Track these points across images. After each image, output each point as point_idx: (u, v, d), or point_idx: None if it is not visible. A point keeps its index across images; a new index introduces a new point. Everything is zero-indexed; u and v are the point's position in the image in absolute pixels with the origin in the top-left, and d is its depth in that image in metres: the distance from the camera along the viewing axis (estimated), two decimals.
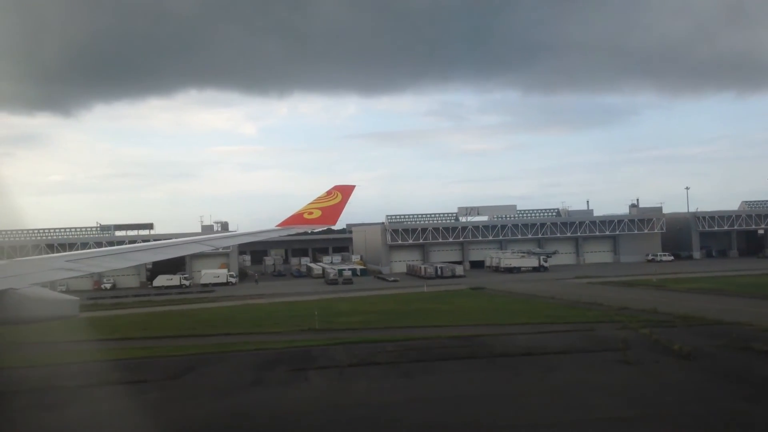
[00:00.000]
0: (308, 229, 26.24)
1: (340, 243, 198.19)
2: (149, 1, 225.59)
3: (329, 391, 29.32)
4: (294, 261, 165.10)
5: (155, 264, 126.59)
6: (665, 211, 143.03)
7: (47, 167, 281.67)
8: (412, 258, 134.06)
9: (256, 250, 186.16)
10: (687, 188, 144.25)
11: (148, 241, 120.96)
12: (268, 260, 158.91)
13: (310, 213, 24.59)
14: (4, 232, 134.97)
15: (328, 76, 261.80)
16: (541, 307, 61.04)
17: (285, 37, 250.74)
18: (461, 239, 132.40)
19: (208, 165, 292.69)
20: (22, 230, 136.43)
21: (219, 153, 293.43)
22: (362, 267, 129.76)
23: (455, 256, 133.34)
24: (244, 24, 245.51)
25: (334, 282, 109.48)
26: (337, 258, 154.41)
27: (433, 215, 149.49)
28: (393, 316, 59.07)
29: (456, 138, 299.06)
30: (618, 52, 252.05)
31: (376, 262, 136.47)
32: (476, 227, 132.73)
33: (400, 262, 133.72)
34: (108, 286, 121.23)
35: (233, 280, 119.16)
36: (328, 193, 25.39)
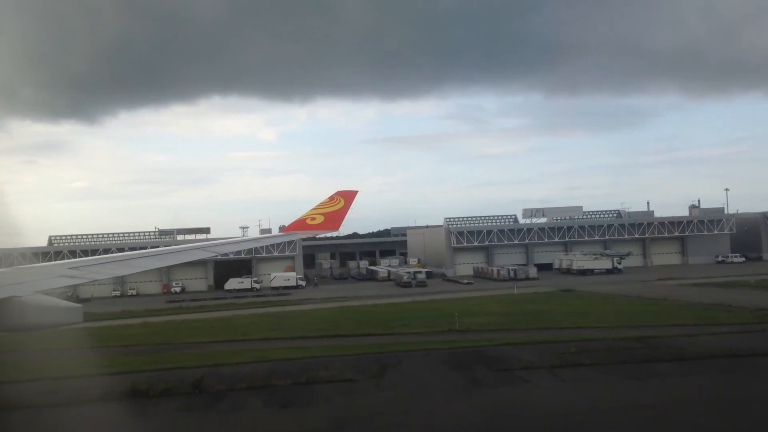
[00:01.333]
0: (311, 234, 26.08)
1: (387, 246, 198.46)
2: (175, 8, 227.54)
3: (576, 393, 29.08)
4: (351, 265, 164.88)
5: (221, 268, 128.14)
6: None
7: (70, 174, 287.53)
8: (475, 260, 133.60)
9: (303, 254, 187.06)
10: (726, 189, 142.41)
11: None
12: (324, 264, 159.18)
13: (313, 219, 24.46)
14: (63, 237, 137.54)
15: (350, 81, 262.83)
16: (669, 308, 60.36)
17: (309, 42, 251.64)
18: (526, 241, 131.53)
19: (229, 171, 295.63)
20: (80, 235, 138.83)
21: (239, 159, 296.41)
22: (427, 270, 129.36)
23: (519, 258, 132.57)
24: (268, 29, 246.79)
25: (407, 285, 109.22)
26: (394, 261, 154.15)
27: (491, 217, 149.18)
28: (518, 317, 58.77)
29: (476, 141, 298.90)
30: (643, 52, 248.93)
31: (436, 264, 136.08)
32: (542, 229, 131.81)
33: (462, 265, 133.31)
34: (177, 289, 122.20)
35: (302, 283, 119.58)
36: (331, 198, 25.30)
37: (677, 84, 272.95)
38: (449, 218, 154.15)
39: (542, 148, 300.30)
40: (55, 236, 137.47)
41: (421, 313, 66.38)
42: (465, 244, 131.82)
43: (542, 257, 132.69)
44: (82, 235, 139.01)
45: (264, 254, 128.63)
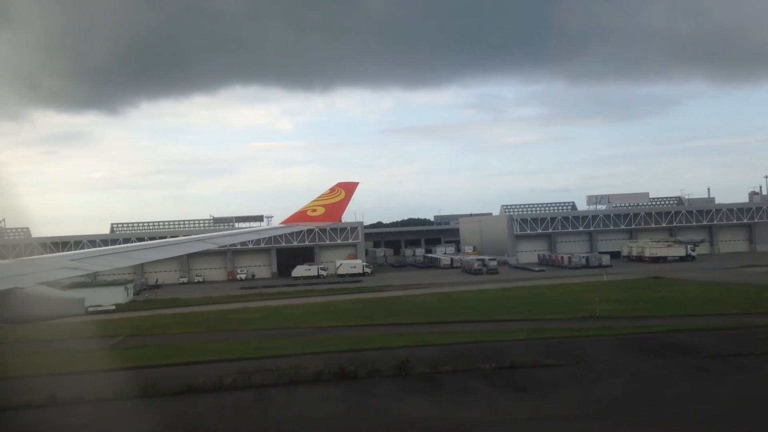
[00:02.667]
0: (311, 226, 26.74)
1: (432, 235, 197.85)
2: None
3: None
4: (407, 253, 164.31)
5: (284, 256, 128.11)
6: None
7: (90, 164, 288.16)
8: (536, 248, 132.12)
9: None
10: (767, 176, 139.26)
11: None
12: (378, 252, 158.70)
13: (314, 210, 24.35)
14: (123, 225, 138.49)
15: (372, 70, 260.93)
16: None
17: (331, 31, 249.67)
18: (591, 228, 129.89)
19: (246, 161, 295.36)
20: (139, 223, 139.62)
21: (257, 149, 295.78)
22: (490, 258, 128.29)
23: (582, 246, 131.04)
24: (291, 19, 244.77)
25: (478, 272, 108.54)
26: (450, 249, 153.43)
27: (549, 205, 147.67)
28: (645, 304, 57.92)
29: (494, 131, 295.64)
30: (669, 39, 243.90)
31: (494, 252, 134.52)
32: (607, 216, 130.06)
33: (524, 252, 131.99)
34: (243, 276, 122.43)
35: (368, 270, 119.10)
36: (332, 190, 25.21)
37: (702, 71, 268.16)
38: (507, 206, 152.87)
39: (561, 137, 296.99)
40: (117, 224, 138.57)
41: (527, 300, 65.63)
42: (528, 232, 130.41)
43: (605, 245, 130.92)
44: (141, 223, 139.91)
45: (327, 241, 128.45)
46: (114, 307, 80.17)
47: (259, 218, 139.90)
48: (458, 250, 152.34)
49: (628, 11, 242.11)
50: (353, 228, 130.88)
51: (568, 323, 48.13)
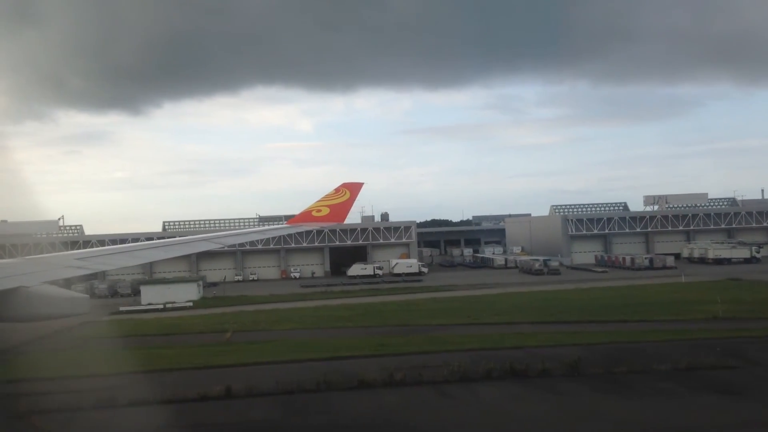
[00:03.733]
0: (317, 227, 26.34)
1: (471, 235, 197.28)
2: None
3: None
4: (455, 253, 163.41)
5: (335, 254, 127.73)
6: None
7: (112, 164, 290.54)
8: (590, 249, 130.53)
9: None
10: None
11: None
12: (425, 251, 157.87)
13: (319, 210, 24.47)
14: (175, 223, 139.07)
15: (395, 70, 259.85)
16: None
17: (356, 30, 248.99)
18: (649, 229, 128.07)
19: (265, 161, 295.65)
20: (190, 221, 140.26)
21: (276, 149, 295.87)
22: (545, 258, 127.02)
23: (638, 248, 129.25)
24: (316, 18, 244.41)
25: (539, 272, 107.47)
26: (498, 249, 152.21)
27: (600, 205, 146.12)
28: (757, 305, 56.27)
29: (514, 132, 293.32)
30: (696, 40, 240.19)
31: (545, 252, 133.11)
32: (664, 217, 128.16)
33: (579, 253, 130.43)
34: (297, 275, 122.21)
35: (425, 269, 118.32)
36: (337, 190, 25.22)
37: (728, 73, 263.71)
38: (557, 206, 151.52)
39: (581, 138, 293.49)
40: (168, 222, 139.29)
41: (619, 301, 64.70)
42: (584, 232, 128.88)
43: (661, 246, 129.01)
44: (192, 221, 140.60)
45: (381, 240, 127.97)
46: (191, 304, 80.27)
47: None
48: (504, 251, 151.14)
49: (655, 11, 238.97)
50: (407, 227, 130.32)
51: (698, 324, 46.98)
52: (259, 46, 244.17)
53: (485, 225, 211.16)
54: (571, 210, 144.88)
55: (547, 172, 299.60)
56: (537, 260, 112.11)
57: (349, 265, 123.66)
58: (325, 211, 24.48)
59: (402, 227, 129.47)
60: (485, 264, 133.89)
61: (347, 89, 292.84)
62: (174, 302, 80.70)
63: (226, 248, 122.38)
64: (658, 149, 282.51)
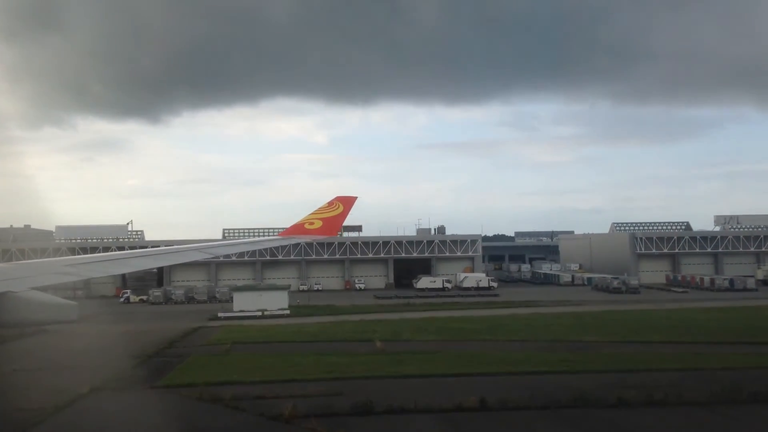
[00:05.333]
0: (309, 239, 27.08)
1: (514, 251, 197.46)
2: (248, 8, 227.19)
3: None
4: (512, 268, 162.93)
5: (407, 266, 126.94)
6: None
7: (126, 172, 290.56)
8: (658, 268, 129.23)
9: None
10: None
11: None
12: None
13: (311, 223, 24.39)
14: (234, 231, 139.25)
15: (416, 84, 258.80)
16: None
17: (379, 44, 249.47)
18: (720, 249, 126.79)
19: (280, 172, 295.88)
20: (250, 229, 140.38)
21: (291, 160, 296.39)
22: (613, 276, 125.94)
23: (707, 269, 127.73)
24: (339, 31, 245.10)
25: (617, 291, 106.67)
26: (556, 266, 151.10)
27: (663, 224, 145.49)
28: None
29: (529, 150, 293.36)
30: (719, 62, 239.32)
31: (605, 271, 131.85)
32: (736, 238, 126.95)
33: (646, 272, 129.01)
34: (361, 286, 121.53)
35: (494, 284, 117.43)
36: (330, 203, 25.19)
37: (750, 95, 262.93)
38: (618, 223, 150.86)
39: (597, 157, 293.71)
40: (228, 229, 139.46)
41: (740, 323, 63.42)
42: (654, 251, 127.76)
43: (731, 268, 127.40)
44: (251, 229, 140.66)
45: (447, 253, 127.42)
46: (288, 312, 79.81)
47: (358, 228, 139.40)
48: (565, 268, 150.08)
49: (680, 31, 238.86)
50: (473, 241, 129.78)
51: None
52: (281, 57, 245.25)
53: (528, 241, 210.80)
54: (632, 228, 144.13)
55: (561, 191, 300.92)
56: (615, 278, 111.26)
57: (409, 278, 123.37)
58: (318, 224, 24.52)
59: (468, 240, 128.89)
60: (549, 280, 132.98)
61: (368, 102, 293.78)
62: (266, 309, 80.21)
63: (292, 257, 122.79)
64: (670, 170, 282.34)
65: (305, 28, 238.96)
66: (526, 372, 38.12)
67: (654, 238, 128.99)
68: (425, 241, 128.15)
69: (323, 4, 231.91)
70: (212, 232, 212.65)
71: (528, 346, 49.88)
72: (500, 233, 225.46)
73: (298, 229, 24.79)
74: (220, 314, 77.89)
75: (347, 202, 25.75)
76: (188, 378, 38.04)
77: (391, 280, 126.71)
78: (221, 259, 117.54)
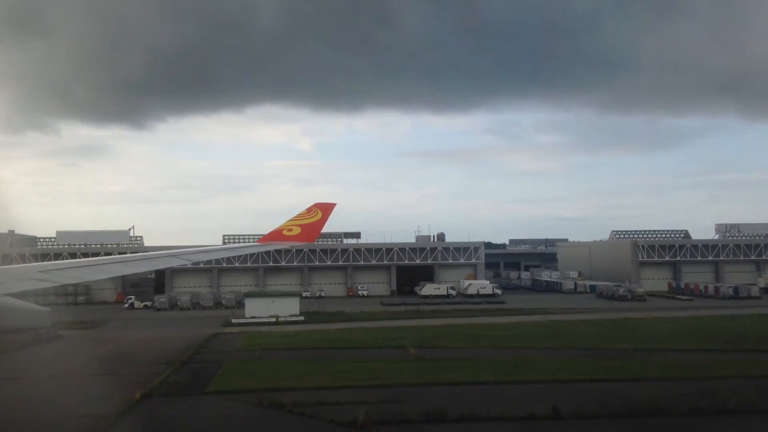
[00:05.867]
0: (287, 246, 26.62)
1: (509, 258, 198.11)
2: (235, 15, 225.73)
3: None
4: (512, 275, 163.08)
5: (409, 273, 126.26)
6: None
7: (109, 177, 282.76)
8: (659, 276, 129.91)
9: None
10: None
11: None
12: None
13: (290, 230, 24.64)
14: (234, 237, 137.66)
15: (403, 92, 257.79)
16: None
17: (366, 51, 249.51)
18: (721, 257, 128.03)
19: (264, 179, 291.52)
20: (248, 235, 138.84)
21: (275, 167, 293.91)
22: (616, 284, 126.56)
23: (707, 276, 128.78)
24: (327, 39, 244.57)
25: (622, 298, 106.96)
26: (555, 273, 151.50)
27: (660, 232, 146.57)
28: None
29: (513, 158, 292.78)
30: (703, 72, 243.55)
31: (605, 278, 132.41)
32: (737, 246, 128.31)
33: (647, 280, 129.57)
34: (364, 293, 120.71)
35: (498, 291, 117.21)
36: (309, 210, 25.50)
37: (732, 105, 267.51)
38: (618, 231, 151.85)
39: (582, 166, 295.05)
40: (228, 235, 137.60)
41: (755, 330, 63.76)
42: (655, 259, 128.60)
43: (731, 276, 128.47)
44: (251, 234, 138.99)
45: (450, 260, 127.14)
46: (302, 318, 78.87)
47: (356, 235, 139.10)
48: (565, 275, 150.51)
49: (665, 43, 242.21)
50: (476, 248, 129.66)
51: None
52: (268, 64, 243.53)
53: (523, 248, 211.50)
54: (632, 236, 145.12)
55: (544, 199, 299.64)
56: (619, 286, 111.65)
57: (410, 285, 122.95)
58: (297, 230, 24.69)
59: (471, 248, 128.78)
60: (551, 288, 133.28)
61: (355, 109, 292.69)
62: (279, 316, 79.20)
63: (295, 264, 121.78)
64: (652, 179, 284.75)
65: (292, 35, 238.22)
66: (578, 380, 37.80)
67: (656, 245, 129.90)
68: (428, 248, 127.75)
69: (311, 12, 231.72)
70: (207, 237, 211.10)
71: (564, 353, 49.61)
72: (486, 240, 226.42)
73: (276, 235, 24.79)
74: (233, 320, 76.73)
75: (326, 209, 25.90)
76: (234, 384, 37.26)
77: (394, 287, 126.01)
78: (224, 264, 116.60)
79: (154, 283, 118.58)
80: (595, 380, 37.50)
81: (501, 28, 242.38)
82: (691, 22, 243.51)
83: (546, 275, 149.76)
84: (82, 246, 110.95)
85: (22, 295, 13.71)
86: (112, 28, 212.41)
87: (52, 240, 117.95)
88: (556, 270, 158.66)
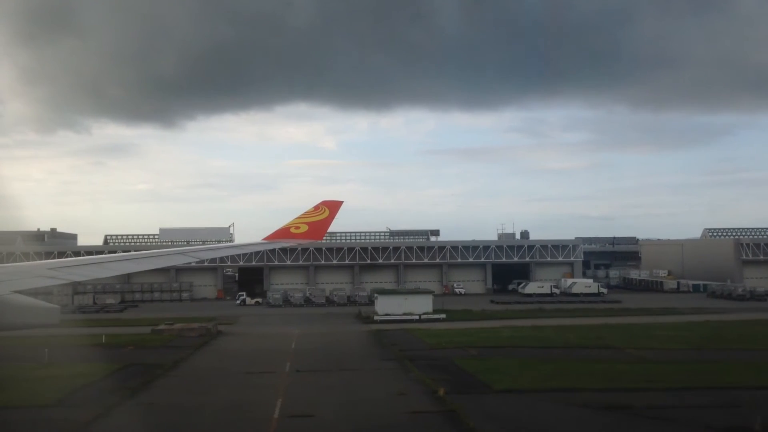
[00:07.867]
0: (294, 243, 26.82)
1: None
2: (268, 13, 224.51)
3: None
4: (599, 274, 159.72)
5: (501, 271, 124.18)
6: None
7: (136, 176, 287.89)
8: (761, 275, 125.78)
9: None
10: None
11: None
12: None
13: (297, 228, 24.66)
14: None
15: (434, 90, 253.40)
16: None
17: (398, 49, 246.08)
18: None
19: (288, 177, 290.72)
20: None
21: (299, 166, 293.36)
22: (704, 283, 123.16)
23: None
24: (359, 37, 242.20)
25: (741, 298, 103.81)
26: (644, 272, 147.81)
27: (754, 229, 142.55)
28: None
29: (540, 155, 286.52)
30: (739, 68, 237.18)
31: (701, 277, 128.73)
32: None
33: (751, 279, 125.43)
34: (462, 290, 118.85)
35: (604, 290, 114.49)
36: (316, 208, 25.48)
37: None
38: (710, 229, 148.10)
39: (610, 163, 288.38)
40: None
41: None
42: (761, 257, 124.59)
43: None
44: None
45: (548, 258, 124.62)
46: (443, 315, 77.39)
47: (436, 233, 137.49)
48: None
49: (701, 38, 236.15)
50: (574, 246, 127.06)
51: None
52: (300, 62, 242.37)
53: (593, 247, 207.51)
54: (725, 235, 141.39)
55: (570, 197, 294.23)
56: (738, 285, 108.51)
57: (502, 283, 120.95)
58: (304, 228, 24.76)
59: (570, 246, 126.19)
60: (649, 287, 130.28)
61: (383, 107, 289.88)
62: (411, 313, 77.74)
63: (392, 261, 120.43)
64: (680, 178, 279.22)
65: (325, 33, 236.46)
66: None
67: (762, 244, 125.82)
68: (526, 246, 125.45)
69: (343, 10, 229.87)
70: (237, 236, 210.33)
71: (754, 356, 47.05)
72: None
73: (284, 233, 24.80)
74: (376, 317, 75.60)
75: (333, 207, 25.90)
76: (508, 383, 35.57)
77: (490, 285, 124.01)
78: (322, 263, 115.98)
79: (237, 281, 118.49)
80: None
81: (533, 25, 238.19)
82: (728, 18, 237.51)
83: (635, 274, 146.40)
84: (184, 243, 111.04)
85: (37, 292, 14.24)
86: (145, 26, 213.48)
87: (155, 236, 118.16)
88: (637, 269, 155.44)
